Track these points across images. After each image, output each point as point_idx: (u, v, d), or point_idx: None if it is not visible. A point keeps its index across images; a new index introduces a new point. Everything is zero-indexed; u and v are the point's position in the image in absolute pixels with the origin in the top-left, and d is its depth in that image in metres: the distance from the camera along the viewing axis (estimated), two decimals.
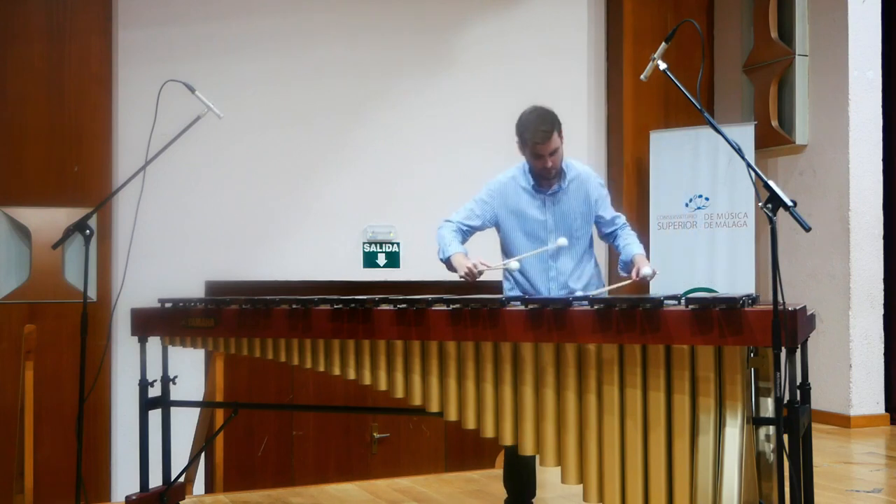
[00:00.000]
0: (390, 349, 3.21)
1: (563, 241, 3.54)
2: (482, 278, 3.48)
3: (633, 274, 3.56)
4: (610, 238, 3.81)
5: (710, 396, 2.70)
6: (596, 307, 2.85)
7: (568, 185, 3.65)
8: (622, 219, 3.82)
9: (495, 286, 3.84)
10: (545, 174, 3.58)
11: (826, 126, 6.38)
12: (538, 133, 3.47)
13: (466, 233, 3.68)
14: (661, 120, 7.05)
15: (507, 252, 3.72)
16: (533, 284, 3.69)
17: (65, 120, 5.98)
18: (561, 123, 3.55)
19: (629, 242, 3.72)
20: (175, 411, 3.91)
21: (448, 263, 3.56)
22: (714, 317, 2.67)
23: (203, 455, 4.79)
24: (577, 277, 3.69)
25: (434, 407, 3.14)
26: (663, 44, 3.01)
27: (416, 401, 3.17)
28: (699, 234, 6.56)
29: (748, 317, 2.64)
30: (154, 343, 3.78)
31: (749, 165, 2.78)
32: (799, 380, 2.89)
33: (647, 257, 3.72)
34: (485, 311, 3.01)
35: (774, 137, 6.62)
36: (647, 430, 2.78)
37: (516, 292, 3.69)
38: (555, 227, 3.64)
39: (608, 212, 3.78)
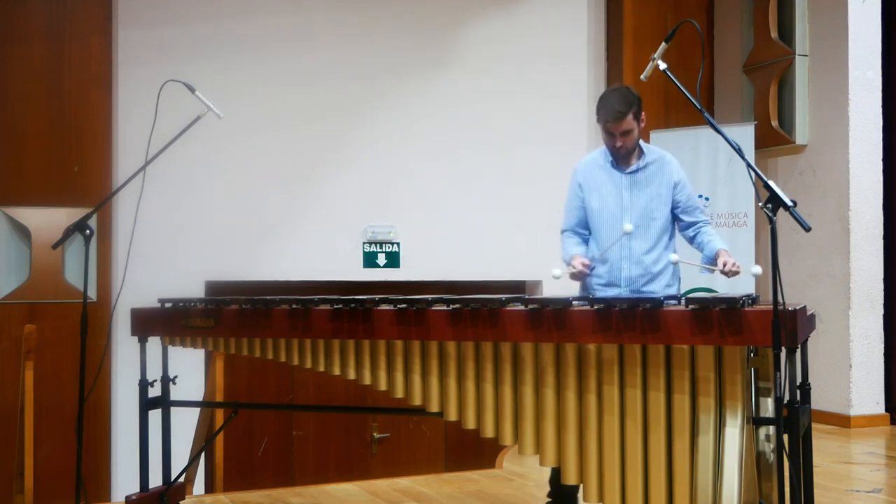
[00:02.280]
0: (390, 349, 3.21)
1: (628, 226, 3.55)
2: None
3: (720, 265, 3.47)
4: (691, 232, 3.73)
5: (710, 396, 2.70)
6: (596, 307, 2.85)
7: (647, 166, 3.68)
8: (704, 214, 3.77)
9: (499, 286, 3.83)
10: (615, 152, 3.63)
11: (826, 126, 6.37)
12: (612, 112, 3.54)
13: (580, 231, 3.75)
14: (661, 120, 7.04)
15: (591, 229, 3.74)
16: (613, 265, 3.65)
17: (65, 120, 5.98)
18: (641, 107, 3.60)
19: (712, 238, 3.67)
20: (175, 411, 3.91)
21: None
22: (714, 317, 2.67)
23: (203, 455, 4.79)
24: (654, 260, 3.65)
25: (434, 407, 3.14)
26: (663, 44, 3.01)
27: (416, 401, 3.18)
28: None
29: (748, 317, 2.64)
30: (154, 343, 3.78)
31: (749, 165, 2.78)
32: (799, 380, 2.88)
33: None
34: (485, 311, 3.00)
35: (774, 137, 6.61)
36: (647, 430, 2.78)
37: (600, 279, 3.67)
38: (630, 205, 3.64)
39: (686, 196, 3.71)
